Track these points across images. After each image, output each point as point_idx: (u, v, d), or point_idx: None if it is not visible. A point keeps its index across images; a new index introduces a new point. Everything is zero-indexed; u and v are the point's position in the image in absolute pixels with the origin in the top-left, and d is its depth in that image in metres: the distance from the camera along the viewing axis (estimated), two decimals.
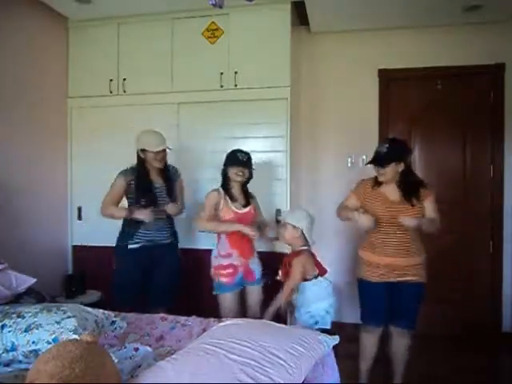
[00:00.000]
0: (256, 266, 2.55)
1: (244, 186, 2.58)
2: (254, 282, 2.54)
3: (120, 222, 2.59)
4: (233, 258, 2.46)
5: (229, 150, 2.55)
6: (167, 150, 2.58)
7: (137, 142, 2.55)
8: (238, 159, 2.48)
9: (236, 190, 2.54)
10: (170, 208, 2.55)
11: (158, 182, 2.60)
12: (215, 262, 2.49)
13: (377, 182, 2.34)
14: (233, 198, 2.50)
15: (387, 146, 2.23)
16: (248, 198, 2.58)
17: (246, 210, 2.53)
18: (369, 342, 2.42)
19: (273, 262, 2.48)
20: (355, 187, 2.45)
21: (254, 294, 2.54)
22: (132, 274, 2.52)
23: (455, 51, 3.25)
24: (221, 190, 2.51)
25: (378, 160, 2.25)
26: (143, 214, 2.44)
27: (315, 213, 2.38)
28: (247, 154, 2.53)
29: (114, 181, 2.54)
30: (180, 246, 2.75)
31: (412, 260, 2.27)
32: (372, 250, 2.33)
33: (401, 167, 2.24)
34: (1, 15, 2.74)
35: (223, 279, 2.44)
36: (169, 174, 2.65)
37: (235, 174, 2.48)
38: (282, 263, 2.28)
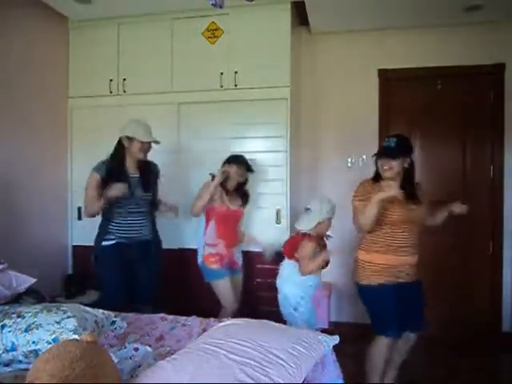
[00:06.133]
0: (239, 255, 2.80)
1: (240, 188, 2.74)
2: (237, 271, 2.74)
3: None
4: (218, 247, 2.61)
5: (229, 150, 2.61)
6: (153, 143, 2.51)
7: (123, 128, 2.47)
8: (240, 160, 2.68)
9: (231, 187, 2.69)
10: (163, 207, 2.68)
11: (133, 173, 2.51)
12: (203, 251, 2.65)
13: (376, 182, 2.23)
14: (228, 193, 2.65)
15: (395, 140, 2.17)
16: (244, 200, 2.76)
17: (235, 208, 2.69)
18: (386, 353, 2.23)
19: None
20: (359, 193, 2.22)
21: (237, 282, 2.75)
22: (112, 273, 2.43)
23: (455, 51, 3.25)
24: None
25: (388, 153, 2.17)
26: (116, 188, 2.32)
27: None
28: (246, 161, 2.73)
29: (88, 178, 2.42)
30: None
31: (416, 258, 2.24)
32: (383, 251, 2.19)
33: (406, 163, 2.20)
34: (1, 15, 2.74)
35: (213, 265, 2.60)
36: (150, 168, 2.60)
37: (235, 172, 2.65)
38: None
